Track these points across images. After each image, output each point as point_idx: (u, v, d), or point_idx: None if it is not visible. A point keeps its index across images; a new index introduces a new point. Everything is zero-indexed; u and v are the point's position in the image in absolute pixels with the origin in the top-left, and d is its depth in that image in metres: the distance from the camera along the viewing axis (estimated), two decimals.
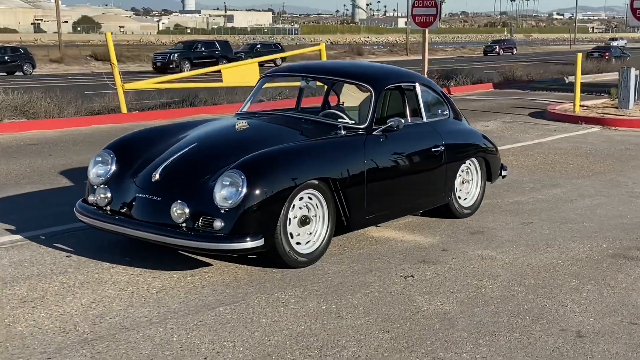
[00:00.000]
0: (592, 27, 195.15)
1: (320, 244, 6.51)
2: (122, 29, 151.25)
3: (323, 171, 6.42)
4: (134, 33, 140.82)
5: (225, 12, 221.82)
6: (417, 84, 7.82)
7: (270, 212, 6.02)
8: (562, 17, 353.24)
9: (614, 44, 73.27)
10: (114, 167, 6.68)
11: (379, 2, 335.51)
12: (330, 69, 8.19)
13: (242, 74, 19.56)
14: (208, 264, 6.44)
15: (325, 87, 8.57)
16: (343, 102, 8.52)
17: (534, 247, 7.19)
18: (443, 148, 7.75)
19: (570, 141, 14.49)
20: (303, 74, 7.96)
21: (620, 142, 14.41)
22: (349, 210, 6.65)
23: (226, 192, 5.93)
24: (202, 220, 5.95)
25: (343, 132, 6.96)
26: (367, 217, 6.90)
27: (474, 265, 6.55)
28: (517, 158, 12.36)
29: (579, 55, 19.24)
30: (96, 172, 6.72)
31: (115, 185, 6.49)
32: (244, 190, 5.90)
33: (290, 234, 6.24)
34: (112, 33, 18.42)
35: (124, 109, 17.24)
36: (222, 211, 5.90)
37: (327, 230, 6.54)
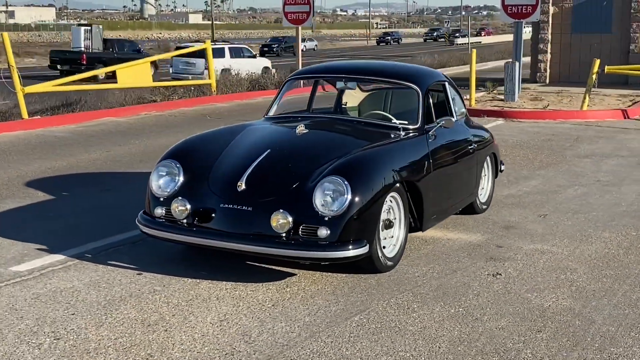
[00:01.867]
0: (377, 23, 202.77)
1: (400, 247, 6.47)
2: None
3: (403, 173, 6.38)
4: None
5: (7, 7, 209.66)
6: (446, 83, 7.91)
7: (371, 217, 5.93)
8: (345, 13, 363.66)
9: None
10: (182, 178, 6.33)
11: None
12: (368, 69, 8.11)
13: (135, 74, 18.95)
14: (291, 274, 6.25)
15: (336, 88, 8.44)
16: (346, 102, 8.46)
17: (575, 238, 7.45)
18: (475, 145, 7.90)
19: None
20: (338, 75, 7.84)
21: (535, 133, 15.10)
22: (420, 211, 6.65)
23: (330, 198, 5.77)
24: (302, 228, 5.76)
25: (403, 134, 6.94)
26: (432, 217, 6.92)
27: (544, 260, 6.72)
28: None
29: (474, 51, 19.98)
30: (162, 183, 6.36)
31: (191, 197, 6.16)
32: (349, 196, 5.78)
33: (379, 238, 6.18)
34: None
35: (24, 115, 16.21)
36: (326, 219, 5.73)
37: (404, 233, 6.51)
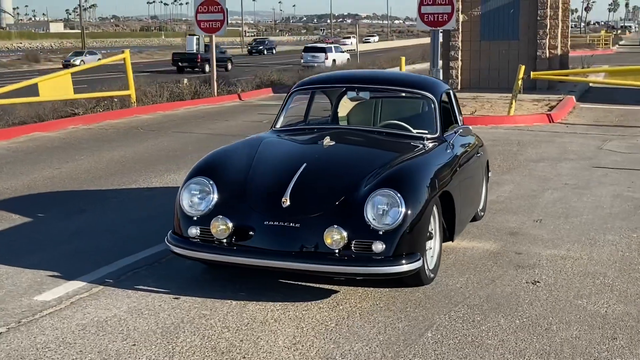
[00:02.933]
0: (245, 31, 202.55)
1: (437, 258, 6.40)
2: None
3: (441, 183, 6.32)
4: None
5: None
6: (451, 91, 7.90)
7: (422, 229, 5.83)
8: None
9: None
10: (216, 196, 6.05)
11: (26, 6, 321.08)
12: (379, 79, 8.01)
13: (58, 87, 18.24)
14: (334, 291, 6.08)
15: (330, 98, 8.29)
16: (338, 112, 8.34)
17: (584, 242, 7.56)
18: (479, 150, 7.92)
19: None
20: (351, 85, 7.69)
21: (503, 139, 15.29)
22: (452, 221, 6.59)
23: (383, 212, 5.63)
24: (355, 243, 5.59)
25: (427, 143, 6.88)
26: (460, 226, 6.88)
27: (570, 266, 6.77)
28: None
29: (402, 59, 20.19)
30: (195, 202, 6.07)
31: (232, 215, 5.88)
32: (403, 209, 5.66)
33: None
34: None
35: None
36: (380, 232, 5.59)
37: (439, 244, 6.44)
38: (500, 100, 21.86)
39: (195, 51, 48.28)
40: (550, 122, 18.04)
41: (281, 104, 7.88)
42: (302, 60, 49.65)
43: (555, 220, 8.45)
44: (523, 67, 18.61)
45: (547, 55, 25.42)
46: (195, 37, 47.68)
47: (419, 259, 5.71)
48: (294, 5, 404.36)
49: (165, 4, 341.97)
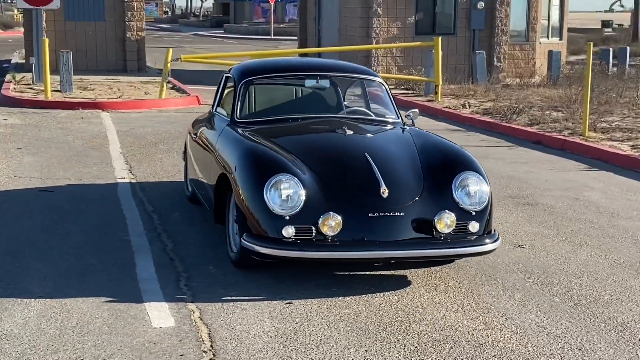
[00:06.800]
0: None
1: None
2: None
3: None
4: None
5: None
6: None
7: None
8: None
9: None
10: (303, 192, 6.27)
11: None
12: (329, 66, 8.60)
13: None
14: (402, 276, 6.78)
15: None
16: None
17: (576, 244, 7.98)
18: None
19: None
20: (304, 73, 8.18)
21: (159, 123, 15.73)
22: None
23: (475, 193, 6.45)
24: (456, 226, 6.31)
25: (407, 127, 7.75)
26: None
27: (580, 261, 7.39)
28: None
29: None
30: (285, 200, 6.21)
31: (337, 210, 6.18)
32: (488, 188, 6.60)
33: None
34: None
35: None
36: (473, 213, 6.43)
37: None
38: (116, 83, 22.06)
39: None
40: (199, 104, 19.05)
41: (234, 95, 7.90)
42: None
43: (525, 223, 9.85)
44: (171, 50, 19.27)
45: (136, 37, 26.08)
46: None
47: (497, 236, 6.61)
48: None
49: None
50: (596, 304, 6.31)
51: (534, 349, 5.41)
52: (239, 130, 7.46)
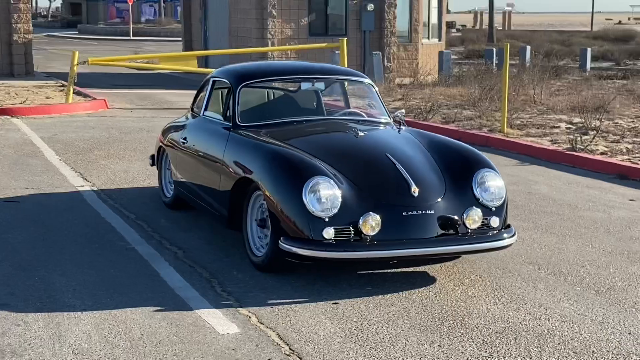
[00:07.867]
0: None
1: None
2: None
3: None
4: None
5: None
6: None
7: None
8: None
9: None
10: (339, 193, 6.42)
11: None
12: (319, 70, 8.68)
13: None
14: (425, 272, 7.05)
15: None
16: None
17: (560, 235, 8.35)
18: None
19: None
20: (300, 76, 8.33)
21: (84, 128, 15.40)
22: None
23: (494, 190, 6.79)
24: (482, 221, 6.64)
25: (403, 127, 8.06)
26: None
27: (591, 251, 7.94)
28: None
29: None
30: (322, 203, 6.35)
31: (376, 211, 6.37)
32: (503, 184, 6.94)
33: None
34: None
35: None
36: (493, 209, 6.77)
37: None
38: (9, 87, 21.24)
39: None
40: (107, 107, 18.66)
41: (232, 99, 7.91)
42: None
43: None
44: (77, 53, 18.75)
45: (23, 40, 25.12)
46: None
47: (514, 230, 6.97)
48: None
49: None
50: (614, 290, 6.77)
51: (589, 336, 5.78)
52: (250, 134, 7.50)
